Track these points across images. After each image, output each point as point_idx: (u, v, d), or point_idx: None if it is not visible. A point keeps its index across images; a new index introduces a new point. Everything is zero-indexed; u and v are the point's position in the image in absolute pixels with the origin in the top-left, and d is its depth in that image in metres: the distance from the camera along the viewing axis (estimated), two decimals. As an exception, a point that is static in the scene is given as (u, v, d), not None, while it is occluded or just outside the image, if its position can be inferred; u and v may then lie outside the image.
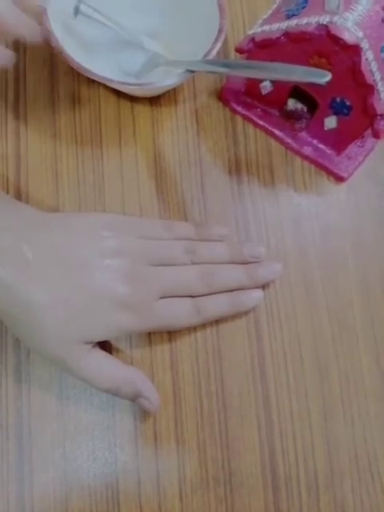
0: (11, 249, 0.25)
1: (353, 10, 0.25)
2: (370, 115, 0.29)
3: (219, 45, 0.30)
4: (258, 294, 0.31)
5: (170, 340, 0.30)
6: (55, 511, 0.27)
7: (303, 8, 0.27)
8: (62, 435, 0.28)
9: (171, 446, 0.29)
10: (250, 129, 0.35)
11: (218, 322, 0.31)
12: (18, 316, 0.25)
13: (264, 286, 0.32)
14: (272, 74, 0.26)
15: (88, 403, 0.29)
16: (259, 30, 0.29)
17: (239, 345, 0.31)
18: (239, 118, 0.35)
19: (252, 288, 0.31)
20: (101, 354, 0.27)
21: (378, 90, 0.27)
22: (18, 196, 0.32)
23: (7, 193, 0.32)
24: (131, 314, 0.27)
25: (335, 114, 0.31)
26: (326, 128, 0.32)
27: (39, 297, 0.25)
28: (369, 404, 0.30)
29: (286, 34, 0.27)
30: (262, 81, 0.32)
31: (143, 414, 0.29)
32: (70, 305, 0.25)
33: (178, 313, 0.28)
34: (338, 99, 0.29)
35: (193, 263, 0.29)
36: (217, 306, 0.29)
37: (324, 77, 0.23)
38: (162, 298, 0.28)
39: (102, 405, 0.29)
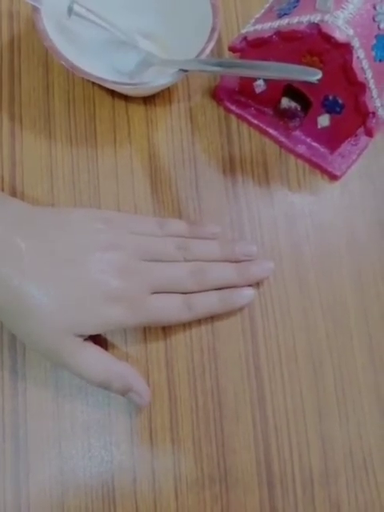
0: (4, 242, 0.26)
1: (344, 8, 0.25)
2: (363, 113, 0.29)
3: (212, 44, 0.30)
4: (249, 292, 0.31)
5: (165, 338, 0.30)
6: (51, 509, 0.27)
7: (295, 7, 0.27)
8: (57, 434, 0.28)
9: (167, 445, 0.29)
10: (244, 128, 0.35)
11: (212, 320, 0.31)
12: (12, 310, 0.26)
13: (258, 284, 0.32)
14: (264, 72, 0.26)
15: (84, 402, 0.29)
16: (252, 29, 0.29)
17: (234, 343, 0.31)
18: (233, 117, 0.35)
19: (244, 286, 0.31)
20: (94, 348, 0.27)
21: (369, 88, 0.27)
22: (13, 195, 0.32)
23: (2, 191, 0.32)
24: (122, 307, 0.27)
25: (328, 112, 0.31)
26: (319, 126, 0.32)
27: (32, 290, 0.25)
28: (363, 400, 0.30)
29: (278, 32, 0.27)
30: (255, 80, 0.32)
31: (139, 413, 0.29)
32: (62, 297, 0.26)
33: (169, 308, 0.28)
34: (331, 97, 0.30)
35: (185, 260, 0.30)
36: (208, 302, 0.29)
37: (315, 75, 0.23)
38: (153, 293, 0.28)
39: (98, 404, 0.29)
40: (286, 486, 0.29)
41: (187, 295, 0.29)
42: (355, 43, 0.25)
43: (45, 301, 0.25)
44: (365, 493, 0.29)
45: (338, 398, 0.30)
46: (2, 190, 0.32)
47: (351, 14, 0.25)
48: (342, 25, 0.25)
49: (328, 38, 0.25)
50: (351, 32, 0.25)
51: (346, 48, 0.26)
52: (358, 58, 0.26)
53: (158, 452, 0.29)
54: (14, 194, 0.32)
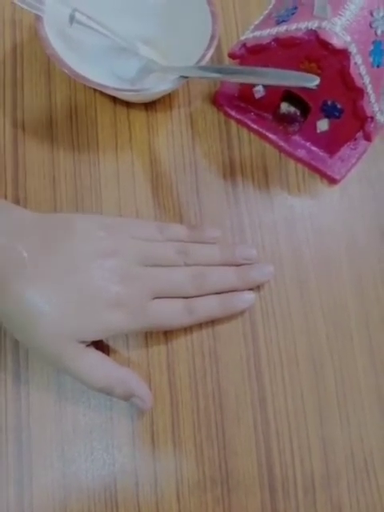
0: (7, 251, 0.26)
1: (341, 15, 0.26)
2: (361, 118, 0.29)
3: (212, 51, 0.30)
4: (249, 296, 0.31)
5: (166, 342, 0.31)
6: (54, 512, 0.28)
7: (293, 14, 0.27)
8: (60, 437, 0.29)
9: (168, 447, 0.29)
10: (244, 133, 0.35)
11: (213, 323, 0.31)
12: (15, 316, 0.26)
13: (259, 288, 0.32)
14: (263, 79, 0.26)
15: (86, 405, 0.29)
16: (251, 35, 0.30)
17: (235, 346, 0.31)
18: (233, 122, 0.35)
19: (244, 290, 0.31)
20: (96, 353, 0.28)
21: (367, 93, 0.28)
22: (16, 201, 0.33)
23: (5, 198, 0.33)
24: (124, 313, 0.27)
25: (327, 116, 0.31)
26: (318, 131, 0.33)
27: (34, 296, 0.25)
28: (364, 403, 0.30)
29: (277, 39, 0.27)
30: (254, 85, 0.33)
31: (141, 416, 0.29)
32: (64, 304, 0.26)
33: (170, 313, 0.29)
34: (329, 102, 0.30)
35: (185, 264, 0.30)
36: (208, 307, 0.30)
37: (313, 81, 0.24)
38: (154, 298, 0.28)
39: (100, 407, 0.29)
40: (287, 489, 0.29)
41: (188, 300, 0.29)
42: (352, 49, 0.26)
43: (47, 308, 0.26)
44: (366, 495, 0.29)
45: (338, 401, 0.30)
46: (5, 195, 0.33)
47: (348, 20, 0.26)
48: (339, 31, 0.25)
49: (325, 45, 0.26)
50: (348, 38, 0.26)
51: (343, 54, 0.26)
52: (355, 63, 0.26)
53: (160, 455, 0.29)
54: (16, 199, 0.33)
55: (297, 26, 0.27)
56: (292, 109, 0.34)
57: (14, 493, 0.28)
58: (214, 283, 0.30)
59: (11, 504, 0.28)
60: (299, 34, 0.26)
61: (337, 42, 0.25)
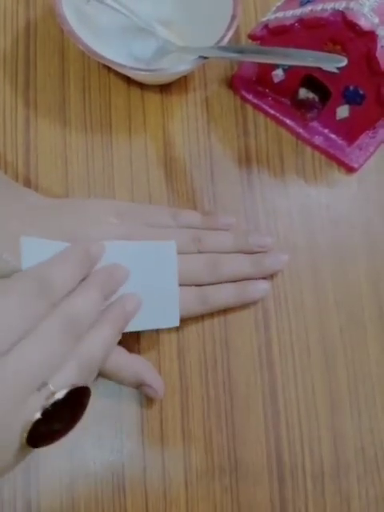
0: (19, 234, 0.25)
1: (369, -4, 0.25)
2: (384, 104, 0.28)
3: (232, 31, 0.30)
4: (264, 286, 0.30)
5: (177, 329, 0.30)
6: (61, 498, 0.27)
7: (318, -6, 0.27)
8: (68, 422, 0.28)
9: (177, 435, 0.29)
10: (261, 118, 0.35)
11: (225, 311, 0.31)
12: None
13: (272, 276, 0.31)
14: (287, 59, 0.25)
15: (94, 391, 0.28)
16: (273, 16, 0.29)
17: (247, 334, 0.30)
18: (249, 107, 0.35)
19: (258, 278, 0.30)
20: None
21: (392, 79, 0.27)
22: (27, 183, 0.32)
23: (16, 179, 0.32)
24: None
25: (348, 103, 0.31)
26: (337, 118, 0.32)
27: None
28: (376, 395, 0.30)
29: (301, 20, 0.27)
30: (274, 69, 0.32)
31: (149, 403, 0.29)
32: None
33: (184, 302, 0.28)
34: (352, 88, 0.29)
35: (199, 252, 0.29)
36: (222, 295, 0.29)
37: (340, 62, 0.23)
38: None
39: (109, 393, 0.29)
40: (296, 479, 0.29)
41: (201, 288, 0.29)
42: (380, 32, 0.25)
43: None
44: (375, 487, 0.29)
45: (350, 392, 0.30)
46: (16, 176, 0.32)
47: (377, 1, 0.25)
48: (367, 12, 0.25)
49: (352, 26, 0.25)
50: (376, 20, 0.25)
51: (370, 36, 0.25)
52: (382, 47, 0.26)
53: (169, 442, 0.29)
54: (27, 181, 0.32)
55: (322, 7, 0.26)
56: (310, 95, 0.33)
57: (22, 479, 0.27)
58: (228, 271, 0.29)
59: (18, 490, 0.27)
60: (325, 15, 0.26)
61: (364, 23, 0.25)
